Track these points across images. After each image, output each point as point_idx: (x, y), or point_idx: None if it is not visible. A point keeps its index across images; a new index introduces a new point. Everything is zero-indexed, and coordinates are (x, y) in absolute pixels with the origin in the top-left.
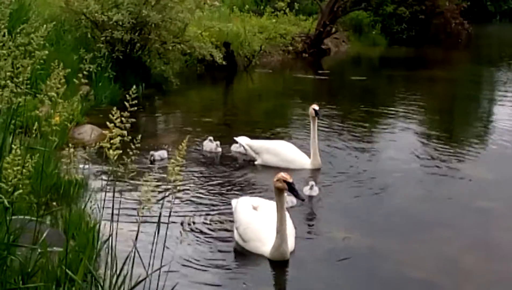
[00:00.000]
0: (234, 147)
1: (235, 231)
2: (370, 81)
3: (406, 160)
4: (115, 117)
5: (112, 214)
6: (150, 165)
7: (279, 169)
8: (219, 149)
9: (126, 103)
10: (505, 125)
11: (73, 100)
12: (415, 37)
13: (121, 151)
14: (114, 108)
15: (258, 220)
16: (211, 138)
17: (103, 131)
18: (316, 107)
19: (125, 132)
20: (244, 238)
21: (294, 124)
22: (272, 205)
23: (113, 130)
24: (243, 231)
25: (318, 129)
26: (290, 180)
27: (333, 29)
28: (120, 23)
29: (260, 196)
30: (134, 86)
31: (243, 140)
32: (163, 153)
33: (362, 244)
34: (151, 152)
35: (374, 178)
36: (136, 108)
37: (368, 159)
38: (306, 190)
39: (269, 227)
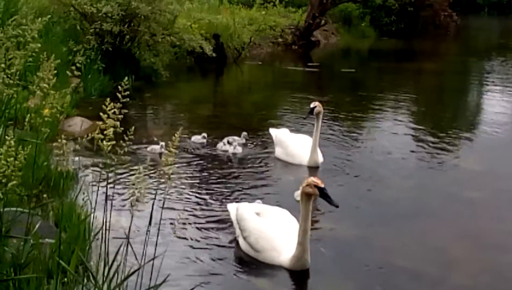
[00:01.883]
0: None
1: (240, 240)
2: (360, 73)
3: (395, 151)
4: (108, 108)
5: (106, 205)
6: (144, 157)
7: (281, 161)
8: (227, 147)
9: (119, 94)
10: (493, 116)
11: (64, 92)
12: (404, 29)
13: (114, 142)
14: (108, 99)
15: (269, 228)
16: (205, 134)
17: (95, 122)
18: (312, 104)
19: (117, 123)
20: (256, 248)
21: (285, 117)
22: (272, 210)
23: (107, 121)
24: (255, 241)
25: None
26: (322, 185)
27: (323, 21)
28: (109, 15)
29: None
30: (126, 78)
31: (276, 131)
32: (155, 148)
33: (350, 235)
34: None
35: (363, 170)
36: (126, 100)
37: (358, 150)
38: (296, 195)
39: (281, 235)
